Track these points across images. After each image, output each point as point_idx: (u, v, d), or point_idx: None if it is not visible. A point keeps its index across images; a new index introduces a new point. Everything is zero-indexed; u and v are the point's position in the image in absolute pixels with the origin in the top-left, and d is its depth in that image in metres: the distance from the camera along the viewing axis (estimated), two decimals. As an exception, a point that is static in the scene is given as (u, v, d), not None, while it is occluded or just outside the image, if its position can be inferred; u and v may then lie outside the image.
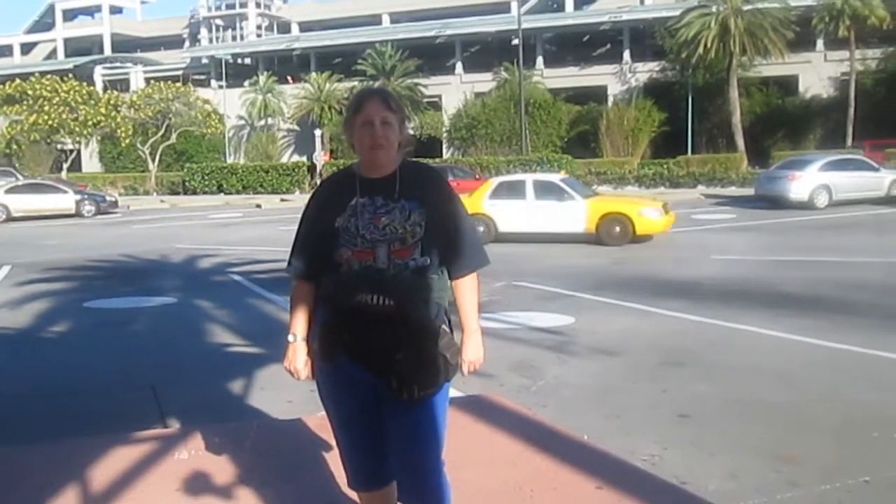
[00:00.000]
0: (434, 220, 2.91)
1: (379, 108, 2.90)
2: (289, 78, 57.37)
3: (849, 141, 37.67)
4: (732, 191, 32.27)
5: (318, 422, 5.43)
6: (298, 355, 3.06)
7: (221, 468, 4.47)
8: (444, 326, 2.95)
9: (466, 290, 3.01)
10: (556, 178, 19.11)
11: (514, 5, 54.22)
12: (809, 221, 20.79)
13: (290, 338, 3.07)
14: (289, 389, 6.60)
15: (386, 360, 2.88)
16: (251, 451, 4.75)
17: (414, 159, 3.09)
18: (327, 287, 2.98)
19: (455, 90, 52.66)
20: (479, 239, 3.05)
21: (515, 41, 42.74)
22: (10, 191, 30.38)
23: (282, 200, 36.96)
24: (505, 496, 4.01)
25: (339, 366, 2.97)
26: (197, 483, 4.27)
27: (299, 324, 3.06)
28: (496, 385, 6.27)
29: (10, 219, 29.00)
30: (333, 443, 4.83)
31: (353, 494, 4.03)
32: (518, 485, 4.15)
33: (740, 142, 39.72)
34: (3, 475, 4.49)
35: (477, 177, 31.45)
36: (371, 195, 2.93)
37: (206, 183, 42.79)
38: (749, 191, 28.64)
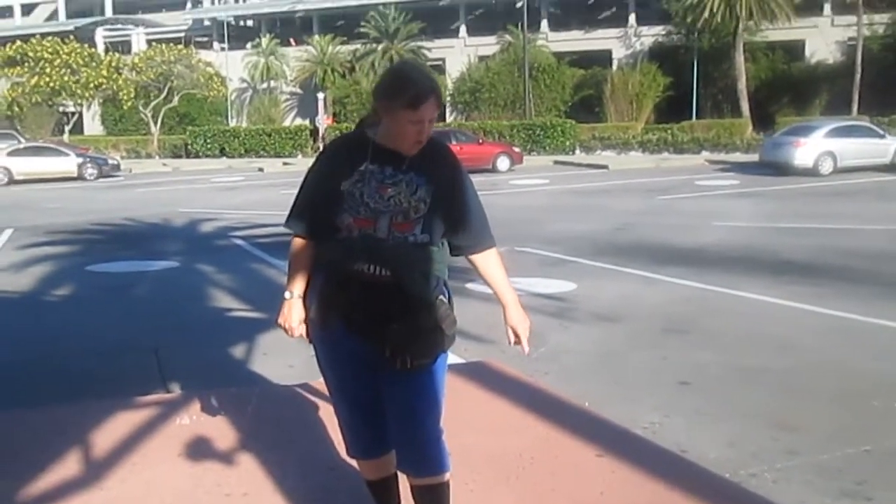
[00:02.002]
0: (440, 197, 2.86)
1: (433, 109, 2.82)
2: (291, 40, 56.93)
3: (855, 107, 37.39)
4: (737, 157, 32.12)
5: (320, 387, 5.45)
6: (293, 313, 3.00)
7: (223, 433, 4.49)
8: (441, 297, 2.91)
9: (489, 264, 3.01)
10: None
11: (518, -32, 53.65)
12: (813, 188, 20.72)
13: (287, 295, 3.02)
14: (291, 355, 6.62)
15: (381, 329, 2.85)
16: (252, 417, 4.76)
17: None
18: (325, 253, 2.94)
19: (459, 53, 52.25)
20: (486, 217, 3.02)
21: (520, 4, 42.31)
22: (12, 153, 30.30)
23: (284, 164, 36.82)
24: (505, 463, 4.02)
25: (337, 334, 2.93)
26: (198, 448, 4.29)
27: (296, 281, 3.00)
28: (497, 351, 6.27)
29: (12, 182, 28.96)
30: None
31: (354, 461, 4.05)
32: (519, 451, 4.16)
33: (745, 107, 39.44)
34: (5, 438, 4.51)
35: (480, 141, 31.30)
36: (381, 163, 2.86)
37: (209, 146, 42.64)
38: (754, 157, 28.52)
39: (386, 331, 2.84)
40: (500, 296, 3.04)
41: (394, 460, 3.09)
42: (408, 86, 2.79)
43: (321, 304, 2.95)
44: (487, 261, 3.00)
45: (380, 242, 2.81)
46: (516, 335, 3.03)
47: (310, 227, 2.96)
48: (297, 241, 3.01)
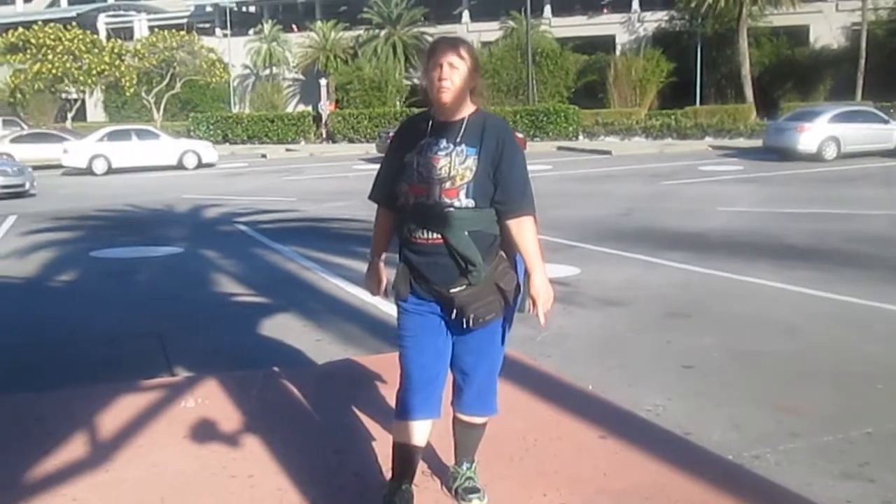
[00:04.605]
0: (487, 166, 3.12)
1: (448, 54, 3.12)
2: (294, 26, 56.81)
3: (859, 93, 37.25)
4: (740, 142, 32.03)
5: (324, 370, 5.49)
6: (373, 275, 3.44)
7: (228, 416, 4.52)
8: (501, 254, 3.18)
9: (522, 230, 3.17)
10: None
11: (521, -48, 53.37)
12: (817, 174, 20.67)
13: (370, 257, 3.46)
14: (294, 339, 6.65)
15: (445, 290, 3.13)
16: (257, 400, 4.79)
17: (483, 110, 3.27)
18: (396, 225, 3.29)
19: (462, 39, 52.11)
20: (529, 188, 3.21)
21: (523, -11, 42.15)
22: (14, 140, 30.30)
23: (287, 150, 36.78)
24: (509, 445, 4.04)
25: (412, 298, 3.24)
26: (203, 431, 4.32)
27: (376, 246, 3.43)
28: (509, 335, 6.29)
29: (16, 168, 28.95)
30: (339, 391, 4.88)
31: (358, 441, 4.08)
32: (522, 434, 4.19)
33: (749, 93, 39.32)
34: (12, 423, 4.54)
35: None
36: (438, 137, 3.18)
37: (212, 132, 42.58)
38: (757, 142, 28.43)
39: (451, 293, 3.12)
40: (526, 264, 3.20)
41: (428, 432, 3.31)
42: (430, 46, 3.23)
43: (398, 272, 3.27)
44: (521, 227, 3.17)
45: (430, 209, 3.11)
46: (534, 303, 3.19)
47: (384, 196, 3.35)
48: (379, 210, 3.41)
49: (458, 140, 3.14)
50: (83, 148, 27.70)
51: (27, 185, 19.88)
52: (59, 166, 28.49)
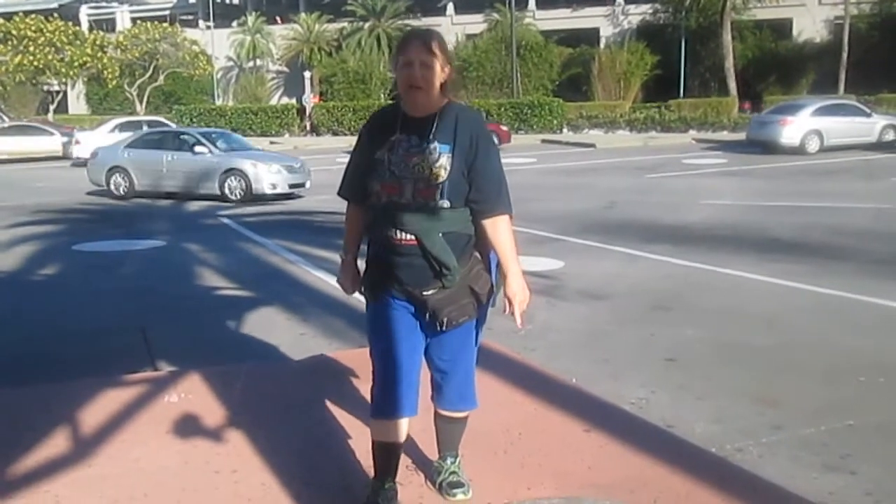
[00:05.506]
0: (461, 164, 3.02)
1: (419, 51, 3.01)
2: (277, 18, 56.56)
3: (841, 86, 37.43)
4: (724, 135, 32.16)
5: (308, 365, 5.46)
6: (347, 273, 3.34)
7: (211, 411, 4.49)
8: (475, 255, 3.12)
9: (497, 230, 3.09)
10: None
11: (506, -55, 53.19)
12: (800, 167, 20.78)
13: (342, 255, 3.36)
14: (278, 333, 6.63)
15: (419, 291, 3.08)
16: (241, 394, 4.77)
17: (460, 103, 3.21)
18: (367, 223, 3.20)
19: (446, 32, 51.56)
20: (504, 185, 3.13)
21: (507, -18, 42.10)
22: (-4, 133, 30.07)
23: (271, 143, 36.60)
24: (493, 438, 4.04)
25: (384, 298, 3.17)
26: (187, 425, 4.29)
27: (349, 243, 3.33)
28: (485, 329, 6.29)
29: (-2, 161, 28.77)
30: (323, 385, 4.86)
31: (341, 436, 4.07)
32: (507, 427, 4.18)
33: (733, 86, 39.43)
34: (-7, 417, 4.50)
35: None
36: (409, 133, 3.06)
37: (195, 125, 42.40)
38: (740, 135, 28.56)
39: (424, 295, 3.07)
40: (502, 265, 3.14)
41: (406, 428, 3.28)
42: (399, 39, 3.16)
43: (368, 271, 3.23)
44: (497, 227, 3.09)
45: (403, 208, 3.02)
46: (511, 305, 3.14)
47: (354, 192, 3.24)
48: (349, 207, 3.31)
49: (431, 137, 3.02)
50: (95, 139, 26.98)
51: (307, 184, 17.88)
52: (41, 159, 28.31)
